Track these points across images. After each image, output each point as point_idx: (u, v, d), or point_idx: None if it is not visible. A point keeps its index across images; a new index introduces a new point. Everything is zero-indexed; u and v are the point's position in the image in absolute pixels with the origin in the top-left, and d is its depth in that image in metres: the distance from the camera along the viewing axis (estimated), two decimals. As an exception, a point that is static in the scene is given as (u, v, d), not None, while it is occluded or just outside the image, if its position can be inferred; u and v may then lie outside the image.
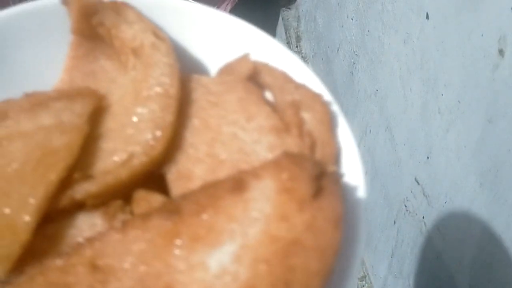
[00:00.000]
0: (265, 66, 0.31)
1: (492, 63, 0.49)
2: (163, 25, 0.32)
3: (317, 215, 0.23)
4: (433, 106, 0.61)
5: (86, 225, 0.26)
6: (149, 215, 0.24)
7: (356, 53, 0.84)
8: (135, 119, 0.28)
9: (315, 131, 0.29)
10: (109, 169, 0.27)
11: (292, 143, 0.28)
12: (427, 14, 0.60)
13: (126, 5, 0.31)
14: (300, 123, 0.29)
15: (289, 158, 0.25)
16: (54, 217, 0.26)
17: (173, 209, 0.24)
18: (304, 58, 1.12)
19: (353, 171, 0.28)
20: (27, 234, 0.24)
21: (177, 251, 0.23)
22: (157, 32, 0.31)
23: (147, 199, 0.27)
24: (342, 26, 0.89)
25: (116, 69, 0.32)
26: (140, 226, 0.24)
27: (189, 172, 0.28)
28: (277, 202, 0.24)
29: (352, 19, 0.85)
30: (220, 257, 0.23)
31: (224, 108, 0.30)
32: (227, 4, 1.03)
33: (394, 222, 0.76)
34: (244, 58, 0.31)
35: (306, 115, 0.29)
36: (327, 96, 0.30)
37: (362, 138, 0.86)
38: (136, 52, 0.30)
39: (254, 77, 0.31)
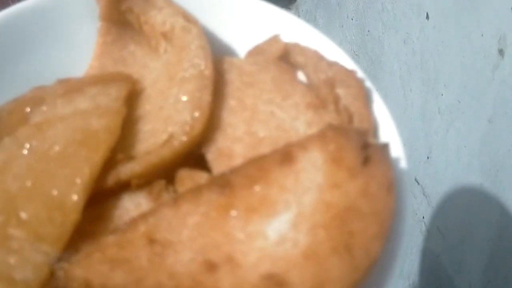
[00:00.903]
0: (296, 45, 0.32)
1: (492, 63, 0.49)
2: (191, 10, 0.32)
3: (369, 181, 0.24)
4: (433, 106, 0.61)
5: (132, 205, 0.27)
6: (200, 190, 0.25)
7: (356, 53, 0.84)
8: (171, 100, 0.29)
9: (351, 107, 0.29)
10: (151, 149, 0.28)
11: (330, 119, 0.29)
12: (427, 14, 0.60)
13: None
14: (336, 99, 0.29)
15: (334, 130, 0.25)
16: (100, 199, 0.27)
17: (223, 183, 0.25)
18: (304, 58, 1.13)
19: (392, 144, 0.28)
20: (77, 213, 0.25)
21: (233, 222, 0.24)
22: (187, 16, 0.31)
23: (191, 177, 0.28)
24: (342, 26, 0.89)
25: (146, 55, 0.32)
26: (192, 201, 0.25)
27: (229, 150, 0.28)
28: (327, 171, 0.24)
29: (352, 19, 0.85)
30: (278, 226, 0.24)
31: (259, 88, 0.30)
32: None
33: (394, 222, 0.76)
34: (274, 39, 0.32)
35: (341, 92, 0.30)
36: (360, 72, 0.31)
37: (362, 138, 0.86)
38: (166, 36, 0.31)
39: (285, 57, 0.32)
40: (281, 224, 0.24)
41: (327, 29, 0.98)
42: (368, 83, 0.30)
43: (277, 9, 0.33)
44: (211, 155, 0.28)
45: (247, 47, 0.33)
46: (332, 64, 0.31)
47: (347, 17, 0.87)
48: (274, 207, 0.24)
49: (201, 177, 0.27)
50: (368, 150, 0.25)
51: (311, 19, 1.06)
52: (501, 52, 0.48)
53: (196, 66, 0.29)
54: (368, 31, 0.79)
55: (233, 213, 0.24)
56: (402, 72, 0.69)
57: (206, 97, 0.28)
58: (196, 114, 0.28)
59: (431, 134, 0.63)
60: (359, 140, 0.25)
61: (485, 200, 0.54)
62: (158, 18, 0.31)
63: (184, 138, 0.28)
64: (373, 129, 0.29)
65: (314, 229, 0.23)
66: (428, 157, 0.65)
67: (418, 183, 0.68)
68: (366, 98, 0.30)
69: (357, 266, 0.23)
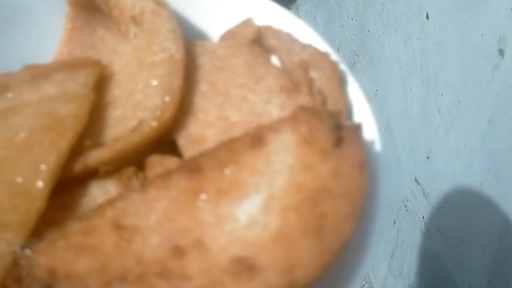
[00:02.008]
0: (269, 29, 0.32)
1: (492, 63, 0.49)
2: None
3: (341, 162, 0.24)
4: (433, 106, 0.61)
5: (100, 192, 0.27)
6: (169, 174, 0.25)
7: (356, 53, 0.84)
8: (141, 85, 0.29)
9: (325, 89, 0.29)
10: (120, 135, 0.28)
11: (303, 102, 0.29)
12: (427, 14, 0.60)
13: None
14: (310, 82, 0.29)
15: (306, 112, 0.25)
16: (68, 187, 0.27)
17: (193, 166, 0.25)
18: (304, 58, 1.13)
19: (366, 125, 0.28)
20: (42, 201, 0.25)
21: (203, 206, 0.24)
22: None
23: (161, 163, 0.27)
24: (342, 26, 0.89)
25: (116, 40, 0.32)
26: (161, 186, 0.24)
27: (200, 136, 0.28)
28: (299, 153, 0.24)
29: (352, 19, 0.85)
30: (248, 208, 0.23)
31: (231, 72, 0.30)
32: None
33: (394, 222, 0.76)
34: (247, 22, 0.32)
35: (315, 74, 0.29)
36: (333, 55, 0.30)
37: (362, 138, 0.86)
38: (136, 20, 0.31)
39: (259, 40, 0.31)
40: (252, 207, 0.23)
41: (327, 29, 0.98)
42: (343, 65, 0.30)
43: None
44: (182, 141, 0.28)
45: (220, 31, 0.32)
46: (306, 47, 0.30)
47: (347, 17, 0.87)
48: (245, 189, 0.24)
49: (171, 162, 0.27)
50: (340, 132, 0.25)
51: (311, 19, 1.06)
52: (501, 52, 0.48)
53: (166, 50, 0.29)
54: (368, 31, 0.79)
55: (203, 196, 0.24)
56: (402, 72, 0.69)
57: (177, 81, 0.28)
58: (167, 99, 0.28)
59: (431, 134, 0.63)
60: (331, 122, 0.25)
61: (485, 200, 0.53)
62: (128, 2, 0.31)
63: (154, 124, 0.27)
64: (347, 111, 0.29)
65: (285, 211, 0.23)
66: (428, 157, 0.65)
67: (418, 183, 0.68)
68: (340, 81, 0.29)
69: (328, 248, 0.23)
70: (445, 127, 0.59)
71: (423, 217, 0.68)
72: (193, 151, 0.27)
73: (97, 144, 0.27)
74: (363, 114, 0.29)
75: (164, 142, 0.29)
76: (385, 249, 0.80)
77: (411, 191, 0.70)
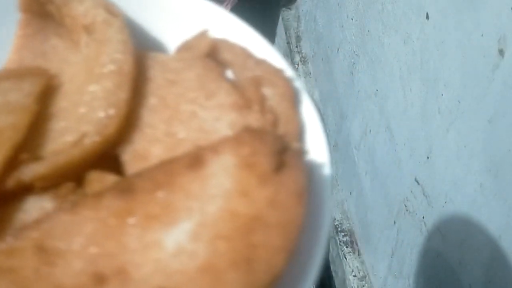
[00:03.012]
0: (224, 42, 0.30)
1: (492, 63, 0.49)
2: (119, 2, 0.31)
3: (279, 189, 0.23)
4: (433, 106, 0.61)
5: (35, 208, 0.25)
6: (101, 194, 0.23)
7: (356, 53, 0.84)
8: (87, 97, 0.28)
9: (278, 107, 0.28)
10: (60, 149, 0.26)
11: (253, 120, 0.27)
12: (427, 14, 0.60)
13: None
14: (262, 99, 0.28)
15: (250, 133, 0.24)
16: (3, 202, 0.26)
17: (126, 187, 0.23)
18: (304, 58, 1.12)
19: (317, 148, 0.27)
20: None
21: (130, 230, 0.22)
22: (110, 8, 0.30)
23: (100, 180, 0.26)
24: (342, 26, 0.89)
25: (68, 48, 0.31)
26: (92, 206, 0.23)
27: (145, 151, 0.27)
28: (237, 177, 0.23)
29: (352, 19, 0.85)
30: (177, 235, 0.22)
31: (182, 86, 0.29)
32: (227, 4, 1.03)
33: (394, 222, 0.76)
34: (202, 35, 0.31)
35: (268, 91, 0.28)
36: (289, 71, 0.29)
37: (362, 138, 0.86)
38: (88, 29, 0.30)
39: (213, 54, 0.30)
40: (181, 234, 0.22)
41: (327, 29, 0.98)
42: (298, 83, 0.29)
43: (208, 3, 0.32)
44: (126, 156, 0.27)
45: (178, 41, 0.32)
46: (260, 63, 0.29)
47: (347, 17, 0.87)
48: (176, 215, 0.23)
49: (109, 180, 0.26)
50: (284, 155, 0.24)
51: (311, 19, 1.06)
52: (501, 52, 0.48)
53: (115, 62, 0.28)
54: (368, 31, 0.79)
55: (131, 220, 0.23)
56: (402, 72, 0.69)
57: (124, 94, 0.27)
58: (111, 112, 0.27)
59: (431, 134, 0.63)
60: (275, 145, 0.24)
61: (485, 200, 0.54)
62: (80, 10, 0.30)
63: (97, 138, 0.26)
64: (299, 131, 0.27)
65: (215, 240, 0.22)
66: (428, 157, 0.65)
67: (418, 183, 0.68)
68: (293, 99, 0.28)
69: (257, 281, 0.21)
70: (445, 127, 0.59)
71: (423, 217, 0.68)
72: (136, 168, 0.26)
73: (35, 157, 0.26)
74: (315, 135, 0.28)
75: (110, 156, 0.27)
76: (385, 249, 0.80)
77: (411, 191, 0.70)
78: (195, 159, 0.24)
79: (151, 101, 0.28)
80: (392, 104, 0.73)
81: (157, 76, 0.29)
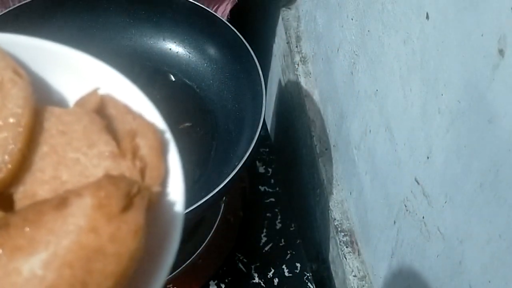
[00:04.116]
0: (111, 99, 0.36)
1: (492, 63, 0.49)
2: (29, 62, 0.36)
3: (121, 226, 0.28)
4: (433, 106, 0.61)
5: None
6: None
7: (356, 53, 0.84)
8: None
9: (147, 156, 0.33)
10: None
11: (125, 167, 0.32)
12: (427, 14, 0.60)
13: None
14: (135, 150, 0.33)
15: (108, 179, 0.29)
16: None
17: (3, 223, 0.28)
18: (304, 58, 1.12)
19: (175, 190, 0.33)
20: None
21: None
22: (17, 69, 0.34)
23: None
24: (342, 26, 0.89)
25: None
26: None
27: (34, 192, 0.31)
28: (91, 216, 0.28)
29: (352, 19, 0.85)
30: (33, 264, 0.27)
31: (71, 136, 0.33)
32: (227, 4, 1.03)
33: (394, 222, 0.76)
34: (93, 92, 0.36)
35: (141, 142, 0.34)
36: (161, 124, 0.35)
37: (362, 138, 0.86)
38: None
39: (101, 109, 0.36)
40: (36, 262, 0.27)
41: (327, 29, 0.98)
42: (167, 135, 0.34)
43: (105, 65, 0.37)
44: (17, 195, 0.31)
45: (76, 97, 0.37)
46: (137, 117, 0.35)
47: (347, 17, 0.87)
48: (36, 247, 0.27)
49: None
50: (133, 199, 0.29)
51: (311, 19, 1.06)
52: (501, 52, 0.48)
53: (15, 115, 0.32)
54: (368, 31, 0.79)
55: (0, 251, 0.27)
56: (402, 72, 0.69)
57: (18, 144, 0.31)
58: (6, 158, 0.31)
59: (431, 134, 0.63)
60: (126, 189, 0.29)
61: (485, 200, 0.54)
62: None
63: None
64: (163, 177, 0.33)
65: (62, 267, 0.26)
66: (428, 157, 0.65)
67: (418, 183, 0.68)
68: (161, 149, 0.34)
69: None
70: (445, 127, 0.59)
71: (423, 217, 0.68)
72: (25, 206, 0.30)
73: None
74: (175, 180, 0.33)
75: (4, 195, 0.31)
76: (385, 249, 0.80)
77: (411, 191, 0.70)
78: (62, 201, 0.28)
79: (44, 148, 0.33)
80: (392, 104, 0.73)
81: (51, 127, 0.34)
